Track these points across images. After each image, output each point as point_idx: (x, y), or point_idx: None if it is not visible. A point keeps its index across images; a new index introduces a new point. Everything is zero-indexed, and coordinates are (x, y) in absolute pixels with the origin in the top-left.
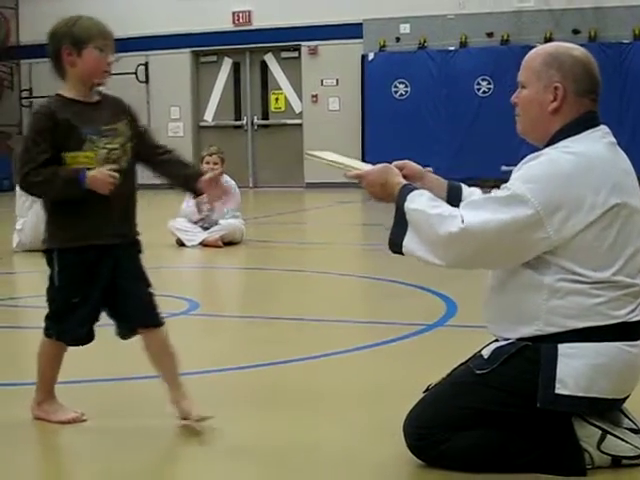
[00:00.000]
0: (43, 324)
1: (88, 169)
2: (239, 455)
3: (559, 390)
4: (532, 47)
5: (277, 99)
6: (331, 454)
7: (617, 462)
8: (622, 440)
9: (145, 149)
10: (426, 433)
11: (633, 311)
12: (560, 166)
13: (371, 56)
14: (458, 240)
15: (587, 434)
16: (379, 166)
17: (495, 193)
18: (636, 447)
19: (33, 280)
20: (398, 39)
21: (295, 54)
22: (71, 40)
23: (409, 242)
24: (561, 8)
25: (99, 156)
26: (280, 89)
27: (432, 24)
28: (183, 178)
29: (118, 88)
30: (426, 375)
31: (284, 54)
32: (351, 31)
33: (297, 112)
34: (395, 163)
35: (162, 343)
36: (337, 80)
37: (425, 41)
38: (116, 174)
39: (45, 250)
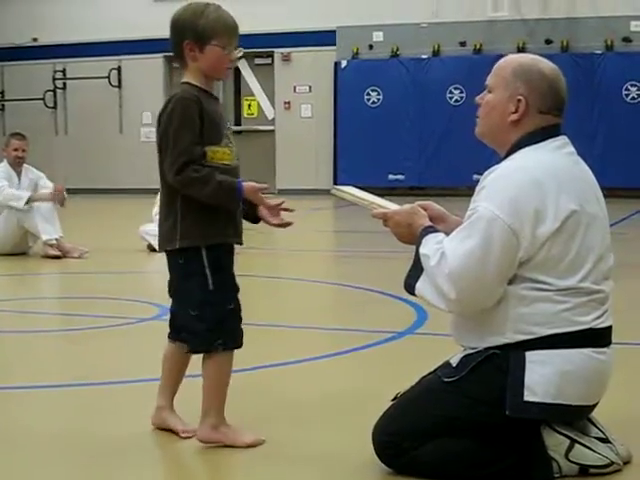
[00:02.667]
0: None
1: (227, 165)
2: (216, 460)
3: (528, 397)
4: (505, 56)
5: (250, 105)
6: (303, 458)
7: (585, 471)
8: (590, 449)
9: None
10: (394, 441)
11: (599, 317)
12: (520, 178)
13: (344, 63)
14: (455, 291)
15: (555, 443)
16: (406, 207)
17: (465, 221)
18: (604, 456)
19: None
20: (371, 47)
21: (268, 60)
22: (194, 35)
23: (421, 286)
24: (534, 18)
25: (233, 153)
26: (253, 95)
27: (405, 32)
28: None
29: (90, 92)
30: (396, 382)
31: (257, 60)
32: (324, 38)
33: (270, 118)
34: (418, 203)
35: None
36: (310, 87)
37: (398, 49)
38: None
39: (176, 250)
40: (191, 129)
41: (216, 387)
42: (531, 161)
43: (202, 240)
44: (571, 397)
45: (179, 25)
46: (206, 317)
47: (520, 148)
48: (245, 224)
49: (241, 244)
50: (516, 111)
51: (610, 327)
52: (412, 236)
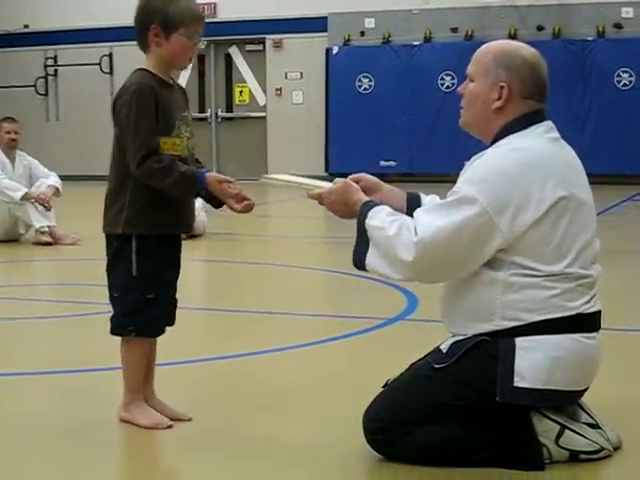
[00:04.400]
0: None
1: (176, 156)
2: (203, 446)
3: (518, 383)
4: None
5: (241, 92)
6: (294, 445)
7: (575, 457)
8: (580, 435)
9: None
10: (384, 428)
11: (588, 302)
12: (504, 164)
13: (335, 50)
14: (415, 255)
15: (545, 429)
16: (338, 184)
17: (445, 199)
18: (594, 442)
19: None
20: (363, 33)
21: (260, 47)
22: (162, 21)
23: (372, 259)
24: (526, 4)
25: (184, 143)
26: (244, 82)
27: (397, 19)
28: None
29: (82, 79)
30: (387, 368)
31: (249, 47)
32: (316, 25)
33: (261, 105)
34: (351, 177)
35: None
36: (301, 73)
37: (390, 36)
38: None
39: (114, 235)
40: (149, 120)
41: (128, 369)
42: (516, 148)
43: (143, 229)
44: (561, 382)
45: (148, 8)
46: (123, 301)
47: (505, 135)
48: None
49: (188, 232)
50: (499, 98)
51: (599, 312)
52: (350, 212)
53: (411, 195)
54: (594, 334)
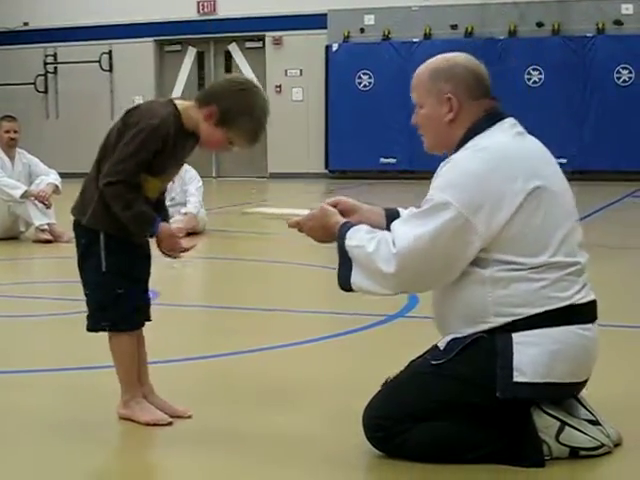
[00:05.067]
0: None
1: (146, 198)
2: (203, 443)
3: (517, 378)
4: (496, 39)
5: None
6: (294, 442)
7: (575, 453)
8: (580, 431)
9: None
10: (384, 425)
11: (579, 292)
12: (473, 165)
13: (335, 47)
14: (396, 267)
15: (545, 425)
16: (315, 210)
17: (419, 208)
18: (594, 438)
19: None
20: (362, 30)
21: (259, 44)
22: (223, 114)
23: (356, 278)
24: (526, 1)
25: (162, 186)
26: None
27: (397, 15)
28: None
29: (82, 76)
30: (387, 365)
31: (248, 44)
32: (315, 22)
33: None
34: (328, 201)
35: (143, 337)
36: (301, 70)
37: (389, 32)
38: (181, 240)
39: (82, 229)
40: (146, 157)
41: (118, 366)
42: (483, 147)
43: (106, 227)
44: (561, 375)
45: (222, 90)
46: (95, 298)
47: (470, 138)
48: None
49: (147, 237)
50: (450, 110)
51: (593, 302)
52: (329, 235)
53: (390, 211)
54: (590, 325)
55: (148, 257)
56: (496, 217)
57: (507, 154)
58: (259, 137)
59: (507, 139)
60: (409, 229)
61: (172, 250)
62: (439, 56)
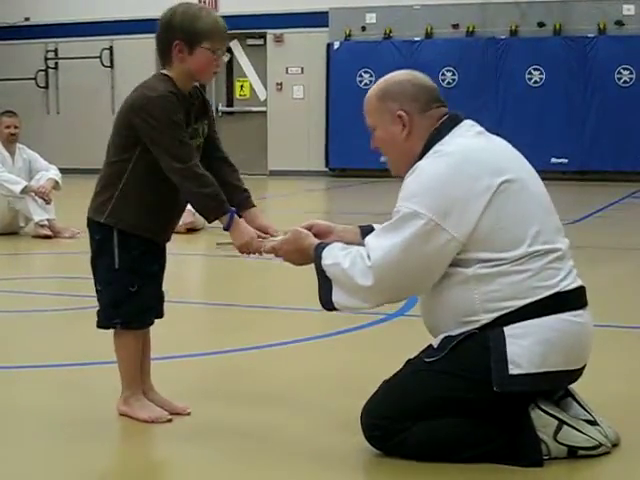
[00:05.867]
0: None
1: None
2: (202, 441)
3: (513, 371)
4: (498, 39)
5: (242, 86)
6: (292, 440)
7: (573, 453)
8: (578, 431)
9: (208, 151)
10: (382, 424)
11: (565, 279)
12: (437, 170)
13: (336, 45)
14: (374, 279)
15: (544, 424)
16: (289, 235)
17: (389, 220)
18: (592, 438)
19: None
20: (364, 28)
21: (261, 42)
22: (186, 36)
23: (338, 297)
24: (527, 1)
25: (201, 143)
26: (245, 76)
27: (398, 14)
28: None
29: (82, 72)
30: (386, 364)
31: (250, 41)
32: (317, 20)
33: (262, 100)
34: (303, 225)
35: (149, 333)
36: (302, 68)
37: (391, 31)
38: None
39: (97, 225)
40: (177, 127)
41: (121, 363)
42: (445, 152)
43: (124, 226)
44: (556, 363)
45: (171, 25)
46: (107, 295)
47: (430, 148)
48: None
49: (165, 241)
50: (404, 126)
51: (581, 288)
52: (305, 257)
53: (365, 228)
54: (580, 312)
55: (163, 253)
56: (466, 218)
57: (469, 154)
58: (222, 24)
59: (467, 140)
60: (381, 241)
61: (244, 249)
62: (382, 78)
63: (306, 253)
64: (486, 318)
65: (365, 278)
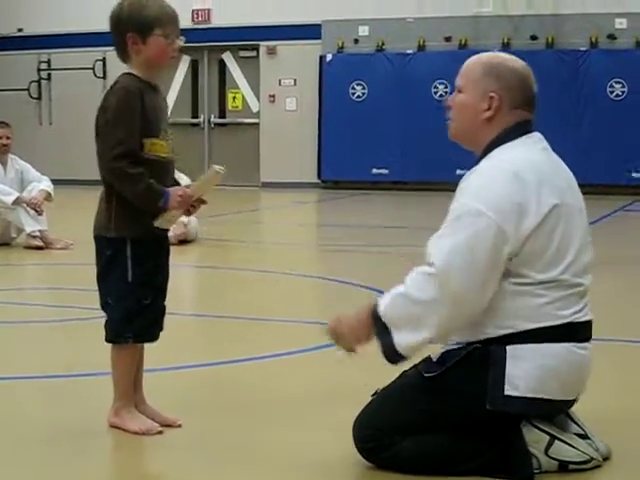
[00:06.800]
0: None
1: (162, 158)
2: (193, 453)
3: (508, 392)
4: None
5: (234, 98)
6: (283, 452)
7: (564, 467)
8: (570, 445)
9: None
10: (375, 436)
11: (579, 311)
12: (500, 174)
13: (329, 57)
14: (439, 286)
15: (535, 439)
16: (332, 322)
17: (449, 217)
18: (583, 452)
19: None
20: (356, 41)
21: (253, 53)
22: (136, 27)
23: (400, 338)
24: (520, 14)
25: (170, 146)
26: (238, 88)
27: (391, 27)
28: None
29: (75, 83)
30: (379, 376)
31: (242, 53)
32: (310, 32)
33: (254, 111)
34: (330, 323)
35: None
36: (295, 80)
37: (383, 44)
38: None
39: (107, 241)
40: (131, 120)
41: (117, 375)
42: (510, 158)
43: (130, 232)
44: (552, 392)
45: (121, 19)
46: (120, 308)
47: (497, 146)
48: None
49: (165, 232)
50: (489, 108)
51: (590, 322)
52: (362, 330)
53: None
54: (585, 344)
55: (167, 266)
56: (523, 226)
57: (533, 167)
58: (170, 8)
59: (532, 153)
60: (442, 242)
61: (184, 204)
62: (499, 54)
63: (363, 324)
64: (495, 333)
65: (427, 289)
